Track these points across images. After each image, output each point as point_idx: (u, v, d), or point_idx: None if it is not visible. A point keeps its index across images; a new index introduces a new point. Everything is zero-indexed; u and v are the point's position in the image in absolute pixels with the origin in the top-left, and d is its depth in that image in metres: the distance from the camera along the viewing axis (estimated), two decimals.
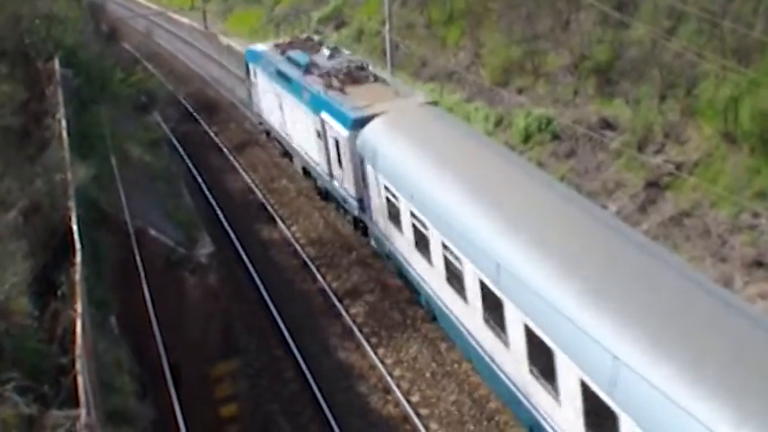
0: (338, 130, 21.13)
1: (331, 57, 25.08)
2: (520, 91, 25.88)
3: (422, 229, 16.94)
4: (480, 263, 14.33)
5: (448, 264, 15.90)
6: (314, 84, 23.20)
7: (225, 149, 32.49)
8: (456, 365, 17.85)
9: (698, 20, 20.76)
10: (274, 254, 24.13)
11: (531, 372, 13.09)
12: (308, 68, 24.35)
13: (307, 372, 18.10)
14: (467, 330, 15.85)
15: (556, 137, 23.55)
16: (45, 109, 16.96)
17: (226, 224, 25.56)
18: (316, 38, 29.11)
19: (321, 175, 24.17)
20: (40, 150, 15.11)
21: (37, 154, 14.97)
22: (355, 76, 23.25)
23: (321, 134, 22.79)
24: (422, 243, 17.15)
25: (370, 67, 24.13)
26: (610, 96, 22.98)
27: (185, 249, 16.90)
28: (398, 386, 17.44)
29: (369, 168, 19.72)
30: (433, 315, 18.64)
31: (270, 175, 29.49)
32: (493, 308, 14.08)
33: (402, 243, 18.62)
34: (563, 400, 12.11)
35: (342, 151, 21.33)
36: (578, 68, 24.34)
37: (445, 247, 15.81)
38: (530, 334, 12.72)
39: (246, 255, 23.53)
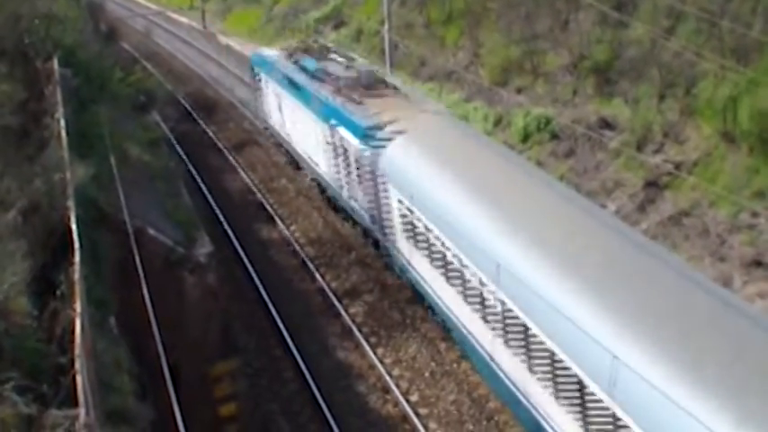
0: (352, 142, 20.09)
1: (341, 63, 24.19)
2: (519, 90, 25.88)
3: (453, 260, 15.70)
4: (534, 310, 12.81)
5: (483, 299, 14.58)
6: (326, 92, 22.22)
7: (224, 149, 32.50)
8: (455, 365, 17.85)
9: (697, 19, 20.77)
10: (273, 253, 24.13)
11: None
12: (319, 76, 23.38)
13: (306, 371, 18.09)
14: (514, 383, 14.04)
15: (555, 136, 23.55)
16: (44, 108, 16.95)
17: (225, 224, 25.56)
18: (327, 43, 28.06)
19: (331, 185, 23.33)
20: (39, 150, 15.09)
21: (36, 153, 14.96)
22: (371, 85, 22.12)
23: (333, 145, 21.85)
24: (451, 272, 15.93)
25: (387, 77, 23.12)
26: (609, 96, 22.99)
27: (184, 249, 16.89)
28: (397, 386, 17.44)
29: (383, 182, 18.79)
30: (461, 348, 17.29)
31: (269, 175, 29.50)
32: (543, 356, 12.68)
33: (425, 269, 17.40)
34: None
35: (356, 165, 20.35)
36: (577, 68, 24.35)
37: (482, 283, 14.53)
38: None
39: (246, 254, 23.53)
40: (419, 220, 17.15)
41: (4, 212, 12.44)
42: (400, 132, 18.91)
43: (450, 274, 16.01)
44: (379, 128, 19.33)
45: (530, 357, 13.05)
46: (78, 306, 10.37)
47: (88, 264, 12.40)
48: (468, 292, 15.25)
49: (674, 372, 10.13)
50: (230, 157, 31.56)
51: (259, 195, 27.75)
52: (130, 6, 56.20)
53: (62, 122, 15.63)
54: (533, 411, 13.29)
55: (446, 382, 17.42)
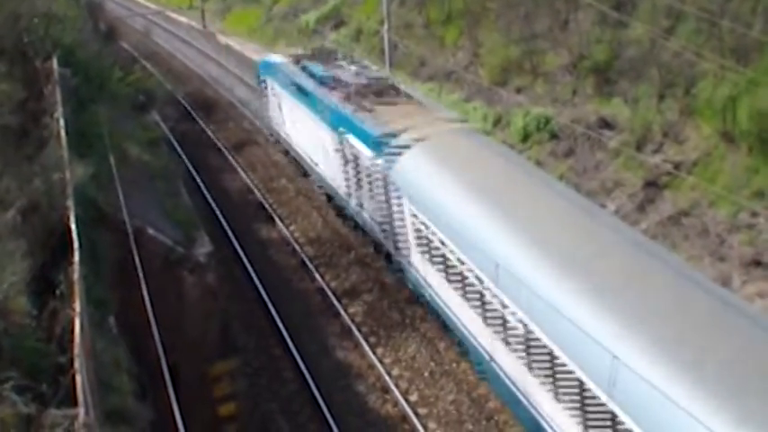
0: (365, 153, 19.49)
1: (351, 69, 23.60)
2: (518, 90, 25.88)
3: (472, 278, 14.94)
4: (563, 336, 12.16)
5: (505, 322, 13.86)
6: (336, 101, 21.64)
7: (223, 149, 32.49)
8: (454, 365, 17.84)
9: (696, 19, 20.77)
10: (273, 253, 24.13)
11: None
12: (329, 83, 22.75)
13: (305, 371, 18.09)
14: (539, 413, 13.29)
15: (554, 136, 23.55)
16: (43, 108, 16.93)
17: (224, 223, 25.55)
18: (336, 49, 27.34)
19: (340, 195, 22.82)
20: (39, 149, 15.07)
21: (35, 153, 14.94)
22: (383, 93, 21.50)
23: (344, 155, 21.29)
24: (470, 292, 15.25)
25: (399, 83, 22.42)
26: (608, 96, 22.98)
27: (184, 249, 16.87)
28: (397, 385, 17.43)
29: (395, 194, 18.07)
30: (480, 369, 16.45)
31: (268, 175, 29.49)
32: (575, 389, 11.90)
33: (442, 287, 16.75)
34: None
35: (367, 176, 19.76)
36: (577, 68, 24.34)
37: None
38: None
39: (245, 254, 23.53)
40: (435, 235, 16.32)
41: (3, 212, 12.43)
42: (415, 142, 18.20)
43: (469, 293, 15.25)
44: (392, 137, 18.62)
45: (556, 386, 12.30)
46: (78, 306, 10.37)
47: (87, 263, 12.39)
48: (489, 314, 14.46)
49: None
50: (230, 157, 31.56)
51: (258, 195, 27.74)
52: (130, 6, 56.17)
53: (61, 122, 15.62)
54: None
55: (445, 382, 17.42)
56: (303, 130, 25.01)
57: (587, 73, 23.83)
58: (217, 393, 16.19)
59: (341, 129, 20.88)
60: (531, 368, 13.16)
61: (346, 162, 21.21)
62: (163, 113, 33.11)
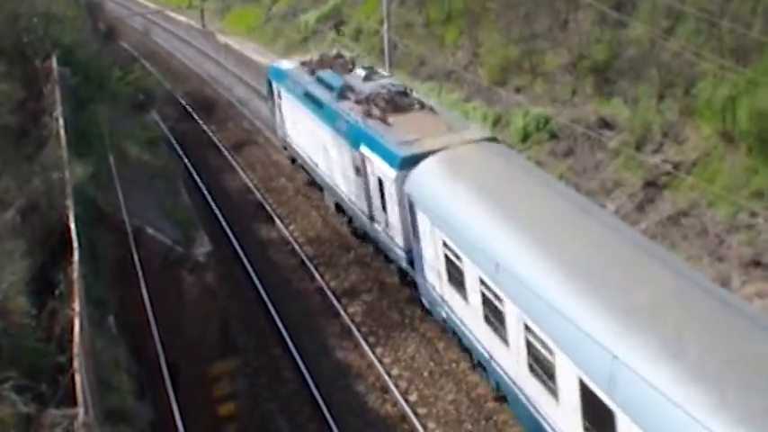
0: (383, 168, 18.38)
1: (367, 78, 22.41)
2: (518, 90, 25.88)
3: (497, 303, 13.94)
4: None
5: (534, 352, 12.87)
6: (351, 111, 20.59)
7: (223, 148, 32.49)
8: (454, 365, 17.85)
9: (696, 19, 20.76)
10: (272, 253, 24.13)
11: None
12: (342, 92, 21.69)
13: (305, 371, 18.09)
14: None
15: (554, 136, 23.54)
16: (43, 107, 16.93)
17: (224, 223, 25.55)
18: (346, 54, 26.03)
19: (358, 215, 21.39)
20: (38, 149, 15.08)
21: (34, 153, 14.95)
22: (398, 102, 20.43)
23: (360, 170, 19.98)
24: (495, 318, 14.20)
25: (414, 93, 21.43)
26: (608, 96, 22.98)
27: (183, 248, 16.88)
28: (396, 385, 17.44)
29: (423, 218, 16.81)
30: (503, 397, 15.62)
31: (268, 174, 29.49)
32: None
33: (467, 313, 15.73)
34: None
35: (386, 193, 18.54)
36: (576, 68, 24.34)
37: (528, 328, 12.88)
38: None
39: (244, 254, 23.53)
40: (463, 262, 15.01)
41: (2, 212, 12.44)
42: (431, 152, 17.31)
43: (507, 333, 13.87)
44: (416, 154, 17.58)
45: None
46: (77, 305, 10.38)
47: (87, 263, 12.40)
48: (511, 339, 13.47)
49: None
50: (229, 157, 31.55)
51: (258, 195, 27.73)
52: (129, 5, 56.15)
53: (61, 121, 15.62)
54: None
55: (445, 382, 17.42)
56: (316, 142, 23.70)
57: (587, 73, 23.83)
58: (216, 393, 16.20)
59: (358, 143, 19.72)
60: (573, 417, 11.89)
61: (365, 180, 19.90)
62: (162, 113, 33.10)
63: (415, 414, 16.53)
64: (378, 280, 21.39)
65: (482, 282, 14.44)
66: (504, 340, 14.05)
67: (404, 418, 16.62)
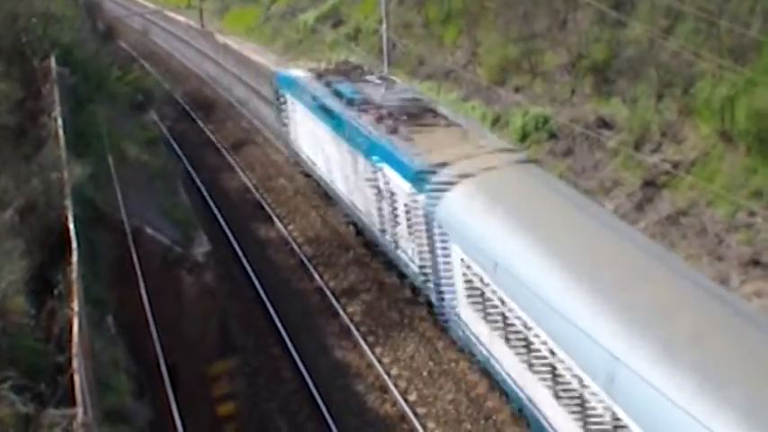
0: (402, 185, 17.37)
1: (387, 89, 21.49)
2: (517, 90, 25.89)
3: (545, 352, 12.43)
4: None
5: (586, 408, 11.55)
6: (368, 124, 19.52)
7: (222, 148, 32.49)
8: (453, 364, 17.84)
9: (695, 19, 20.77)
10: (271, 252, 24.12)
11: None
12: (359, 104, 20.64)
13: (304, 370, 18.08)
14: None
15: (553, 136, 23.55)
16: (41, 107, 16.93)
17: (223, 223, 25.54)
18: (362, 63, 25.29)
19: (373, 231, 20.51)
20: (37, 149, 15.08)
21: (33, 152, 14.95)
22: (420, 116, 19.39)
23: (378, 187, 19.06)
24: (539, 363, 12.78)
25: (436, 104, 20.49)
26: (607, 95, 22.99)
27: (182, 248, 16.88)
28: (396, 385, 17.43)
29: (451, 247, 15.53)
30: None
31: (267, 174, 29.49)
32: None
33: (500, 350, 14.36)
34: None
35: (406, 213, 17.53)
36: (575, 67, 24.35)
37: (584, 385, 11.51)
38: None
39: (243, 253, 23.52)
40: (494, 292, 13.84)
41: (1, 212, 12.44)
42: (465, 177, 15.92)
43: (537, 365, 12.70)
44: (436, 170, 16.49)
45: None
46: (76, 305, 10.38)
47: (86, 263, 12.40)
48: (565, 395, 11.97)
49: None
50: (228, 156, 31.55)
51: (257, 194, 27.73)
52: (128, 5, 56.14)
53: (59, 121, 15.62)
54: None
55: (444, 382, 17.41)
56: (328, 155, 22.78)
57: (586, 72, 23.84)
58: (215, 393, 16.19)
59: (374, 157, 18.86)
60: None
61: (381, 196, 19.03)
62: (161, 113, 33.10)
63: (415, 414, 16.52)
64: (377, 280, 21.39)
65: (502, 302, 13.30)
66: (528, 365, 12.98)
67: (403, 417, 16.61)
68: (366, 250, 22.44)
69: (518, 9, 27.13)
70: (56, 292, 11.10)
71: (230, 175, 30.01)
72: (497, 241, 14.10)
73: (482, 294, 14.42)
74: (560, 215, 14.40)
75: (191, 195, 24.25)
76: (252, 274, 22.33)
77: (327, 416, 16.60)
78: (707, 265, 17.31)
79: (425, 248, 16.78)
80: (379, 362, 18.28)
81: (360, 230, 22.21)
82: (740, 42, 19.39)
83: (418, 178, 16.67)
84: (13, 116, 15.60)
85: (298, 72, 25.57)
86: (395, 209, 18.29)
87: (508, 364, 14.12)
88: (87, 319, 11.07)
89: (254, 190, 28.13)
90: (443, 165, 16.64)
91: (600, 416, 11.02)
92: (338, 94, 21.89)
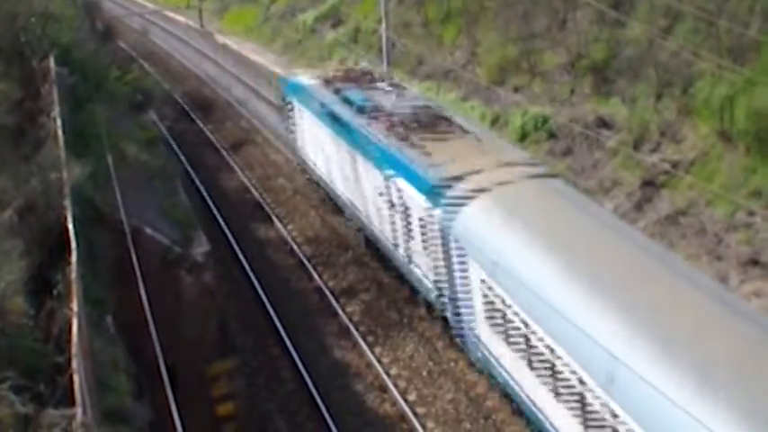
0: (416, 198, 16.90)
1: (398, 96, 20.98)
2: (516, 89, 25.89)
3: (572, 379, 11.84)
4: None
5: None
6: (380, 134, 19.00)
7: (221, 148, 32.49)
8: (452, 364, 17.84)
9: (694, 19, 20.78)
10: (271, 252, 24.12)
11: None
12: (370, 113, 20.13)
13: (303, 370, 18.08)
14: None
15: (552, 135, 23.56)
16: (40, 107, 16.93)
17: (222, 223, 25.54)
18: (372, 70, 24.68)
19: (385, 244, 20.02)
20: (36, 149, 15.08)
21: (32, 153, 14.94)
22: (435, 126, 18.87)
23: (387, 197, 18.66)
24: (562, 387, 12.31)
25: (450, 112, 19.95)
26: (606, 95, 23.00)
27: (181, 248, 16.88)
28: (395, 385, 17.43)
29: (467, 260, 15.03)
30: None
31: (266, 174, 29.49)
32: None
33: (521, 373, 13.79)
34: None
35: (421, 227, 17.00)
36: (575, 67, 24.36)
37: (614, 415, 10.85)
38: None
39: (243, 253, 23.51)
40: (516, 314, 13.27)
41: (0, 212, 12.42)
42: (483, 191, 15.39)
43: (562, 391, 12.25)
44: (453, 183, 16.02)
45: None
46: (75, 305, 10.37)
47: (85, 263, 12.39)
48: (594, 425, 11.35)
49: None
50: (227, 156, 31.55)
51: (256, 194, 27.73)
52: (127, 5, 56.13)
53: (58, 121, 15.62)
54: None
55: (444, 381, 17.42)
56: (338, 165, 22.31)
57: (585, 72, 23.85)
58: (215, 393, 16.18)
59: (386, 168, 18.42)
60: None
61: (394, 209, 18.52)
62: (160, 113, 33.09)
63: (414, 413, 16.52)
64: (376, 279, 21.39)
65: (525, 324, 12.71)
66: (555, 393, 12.43)
67: (403, 417, 16.61)
68: (366, 250, 22.45)
69: (517, 9, 27.13)
70: (55, 292, 11.10)
71: (229, 174, 30.01)
72: (521, 259, 13.56)
73: (503, 315, 13.82)
74: (591, 233, 13.81)
75: (190, 195, 24.24)
76: (251, 274, 22.33)
77: (327, 416, 16.60)
78: (706, 265, 17.32)
79: (441, 264, 16.28)
80: (379, 361, 18.28)
81: (368, 240, 21.75)
82: (739, 42, 19.39)
83: (434, 192, 16.15)
84: (12, 116, 15.59)
85: (305, 78, 25.08)
86: (408, 223, 17.76)
87: (529, 386, 13.51)
88: (86, 319, 11.07)
89: (253, 190, 28.13)
90: (460, 178, 16.15)
91: None
92: (347, 101, 21.46)
